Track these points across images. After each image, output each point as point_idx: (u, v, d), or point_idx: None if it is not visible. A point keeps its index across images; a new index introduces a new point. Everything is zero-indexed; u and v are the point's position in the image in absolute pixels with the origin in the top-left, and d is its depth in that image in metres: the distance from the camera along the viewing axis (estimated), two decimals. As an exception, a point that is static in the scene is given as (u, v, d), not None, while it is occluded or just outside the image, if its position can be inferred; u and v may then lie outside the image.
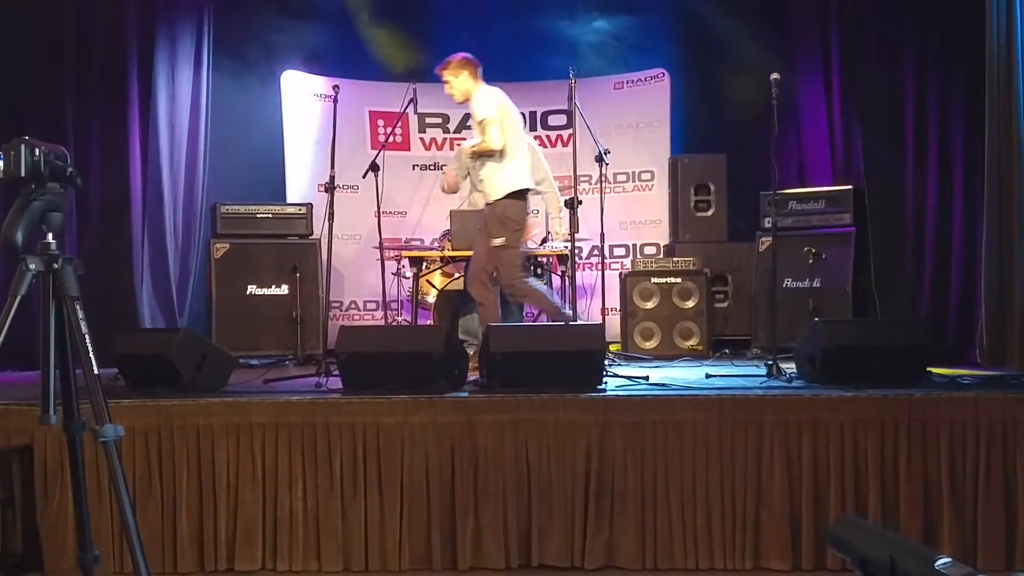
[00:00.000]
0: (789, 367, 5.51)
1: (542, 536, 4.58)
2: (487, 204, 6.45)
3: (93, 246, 7.31)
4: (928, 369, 5.17)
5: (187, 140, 7.87)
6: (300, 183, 8.74)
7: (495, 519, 4.58)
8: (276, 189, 8.63)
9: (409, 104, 7.26)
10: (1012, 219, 6.49)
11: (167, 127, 7.73)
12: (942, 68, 7.18)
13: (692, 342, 7.52)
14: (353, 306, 8.94)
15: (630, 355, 7.31)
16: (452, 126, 9.20)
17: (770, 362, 5.57)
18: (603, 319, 7.47)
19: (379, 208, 7.18)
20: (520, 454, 4.61)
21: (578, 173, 6.86)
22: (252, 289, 7.72)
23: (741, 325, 7.94)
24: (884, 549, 1.50)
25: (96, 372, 2.96)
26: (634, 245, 9.09)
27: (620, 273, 8.05)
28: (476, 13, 8.76)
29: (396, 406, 4.67)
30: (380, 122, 9.00)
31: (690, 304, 7.57)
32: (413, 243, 8.70)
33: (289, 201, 8.44)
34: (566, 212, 6.94)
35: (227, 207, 7.85)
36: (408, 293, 7.67)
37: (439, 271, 7.56)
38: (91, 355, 2.95)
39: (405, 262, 7.61)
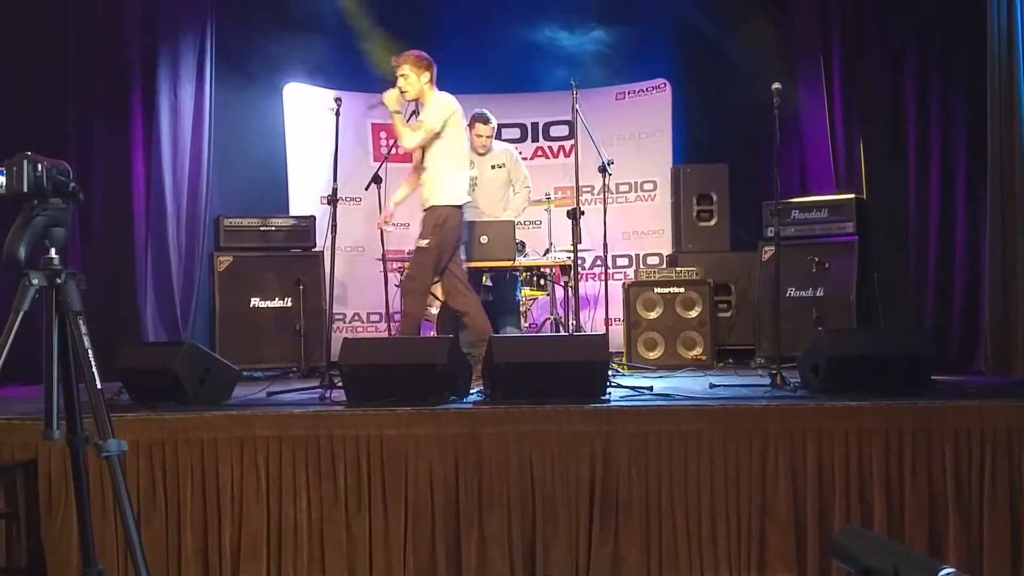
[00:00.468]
0: (793, 376, 5.51)
1: (547, 547, 4.57)
2: (429, 207, 6.47)
3: (96, 260, 7.32)
4: (932, 377, 5.16)
5: (190, 153, 7.87)
6: (303, 196, 8.75)
7: (499, 531, 4.58)
8: (279, 202, 8.64)
9: (412, 116, 7.27)
10: (1015, 226, 6.49)
11: (170, 141, 7.73)
12: (944, 76, 7.18)
13: (696, 352, 7.50)
14: (356, 318, 8.94)
15: (634, 365, 7.30)
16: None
17: (774, 372, 5.57)
18: (607, 329, 7.46)
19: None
20: (524, 465, 4.60)
21: (581, 184, 6.87)
22: (255, 302, 7.73)
23: (745, 335, 7.93)
24: (888, 560, 1.50)
25: (99, 387, 2.96)
26: (637, 255, 9.10)
27: (623, 283, 8.04)
28: (476, 25, 8.78)
29: (400, 418, 4.66)
30: (383, 134, 9.02)
31: (693, 314, 7.56)
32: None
33: (292, 214, 8.46)
34: (520, 200, 7.42)
35: (230, 220, 7.87)
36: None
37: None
38: (94, 370, 2.95)
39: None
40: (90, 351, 2.95)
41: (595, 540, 4.55)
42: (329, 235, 6.14)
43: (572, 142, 7.34)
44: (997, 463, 4.47)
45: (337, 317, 8.34)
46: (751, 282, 7.92)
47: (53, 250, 2.99)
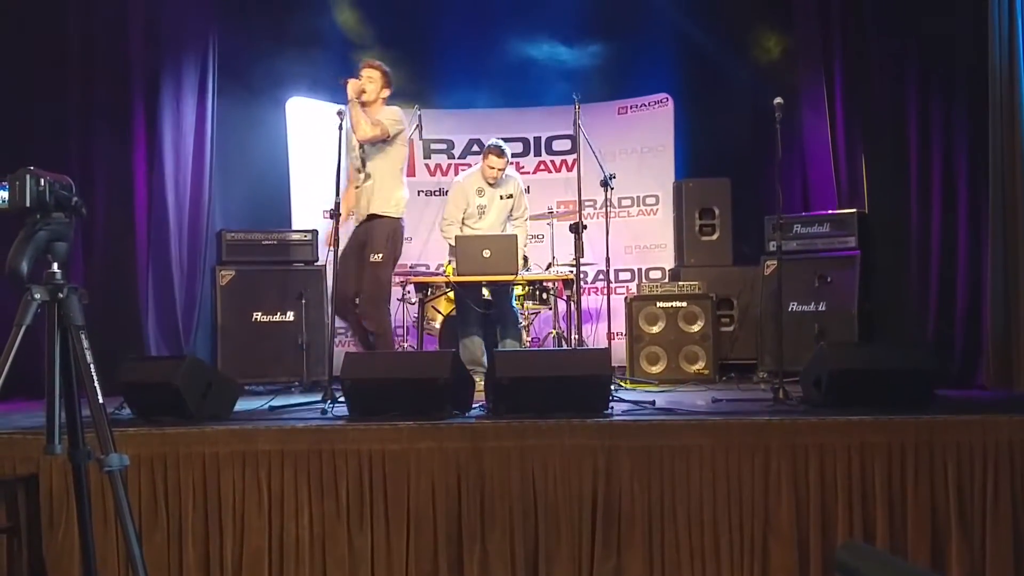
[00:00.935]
0: (795, 391, 5.50)
1: (549, 562, 4.55)
2: (381, 216, 6.60)
3: (98, 274, 7.31)
4: (935, 392, 5.15)
5: (192, 167, 7.87)
6: (305, 209, 8.76)
7: (502, 545, 4.56)
8: (281, 216, 8.66)
9: (415, 130, 7.29)
10: (1017, 241, 6.48)
11: (172, 154, 7.73)
12: (945, 90, 7.18)
13: (698, 366, 7.50)
14: (359, 332, 8.93)
15: (636, 379, 7.29)
16: (457, 152, 9.24)
17: (776, 386, 5.56)
18: (609, 344, 7.46)
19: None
20: (527, 480, 4.59)
21: (583, 198, 6.88)
22: (258, 316, 7.73)
23: (747, 349, 7.93)
24: (891, 576, 1.50)
25: (101, 401, 2.96)
26: (639, 269, 9.11)
27: (625, 297, 8.04)
28: (477, 39, 8.80)
29: (402, 432, 4.66)
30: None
31: (696, 328, 7.55)
32: (419, 269, 8.71)
33: (294, 228, 8.46)
34: (519, 233, 7.38)
35: (232, 234, 7.88)
36: (414, 319, 7.67)
37: (444, 297, 7.55)
38: (96, 384, 2.95)
39: (411, 288, 7.60)
40: (92, 365, 2.96)
41: (598, 555, 4.53)
42: (331, 249, 6.15)
43: (574, 156, 7.34)
44: (1000, 478, 4.46)
45: (339, 331, 8.34)
46: (753, 296, 7.92)
47: (55, 265, 3.00)
